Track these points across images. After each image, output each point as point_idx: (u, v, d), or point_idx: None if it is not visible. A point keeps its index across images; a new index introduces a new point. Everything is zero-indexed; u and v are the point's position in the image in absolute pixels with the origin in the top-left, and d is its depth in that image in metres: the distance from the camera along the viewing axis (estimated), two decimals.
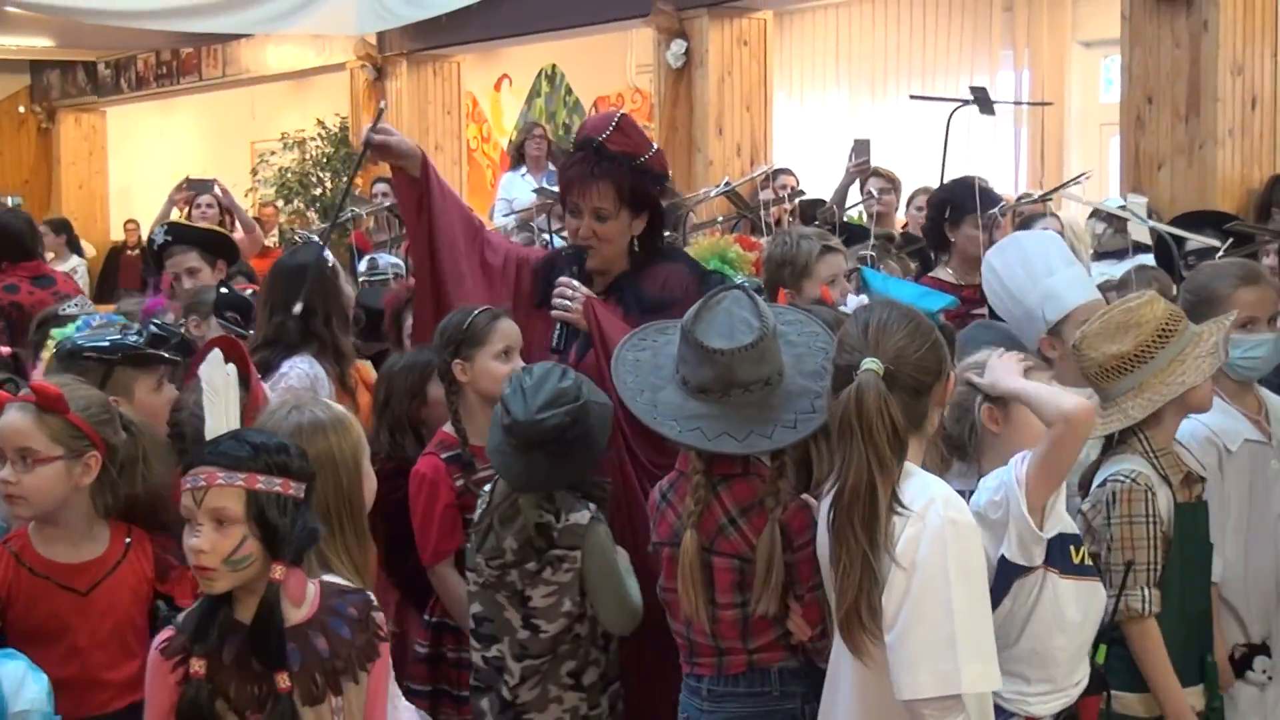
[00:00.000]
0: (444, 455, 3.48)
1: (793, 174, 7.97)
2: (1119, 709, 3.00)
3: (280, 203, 13.10)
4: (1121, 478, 3.03)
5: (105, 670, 2.85)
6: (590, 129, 3.56)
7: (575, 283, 3.51)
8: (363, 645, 2.48)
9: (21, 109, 17.80)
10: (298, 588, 2.41)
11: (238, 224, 7.87)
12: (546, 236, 6.04)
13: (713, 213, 7.59)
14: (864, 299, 3.90)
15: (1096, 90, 10.48)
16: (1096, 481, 3.09)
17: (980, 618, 2.42)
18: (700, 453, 2.83)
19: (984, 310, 4.30)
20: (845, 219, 6.63)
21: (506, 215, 8.24)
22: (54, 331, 3.75)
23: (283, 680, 2.34)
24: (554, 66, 13.37)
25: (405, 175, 3.70)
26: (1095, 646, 2.90)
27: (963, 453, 2.96)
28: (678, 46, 9.58)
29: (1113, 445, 3.14)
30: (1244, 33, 6.90)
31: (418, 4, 11.11)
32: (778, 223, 6.26)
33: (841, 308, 3.56)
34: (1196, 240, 4.88)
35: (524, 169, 9.66)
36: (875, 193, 6.78)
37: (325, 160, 12.98)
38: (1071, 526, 2.83)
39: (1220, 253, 4.57)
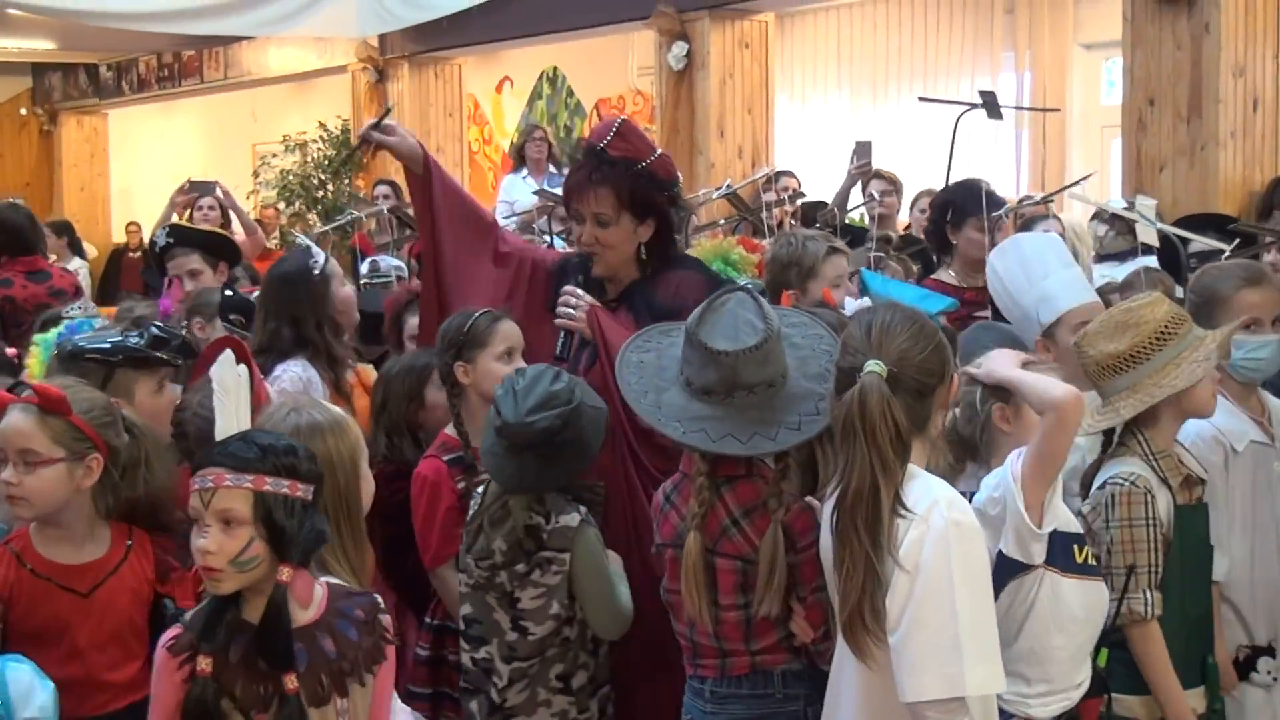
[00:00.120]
0: (446, 458, 3.48)
1: (794, 176, 7.97)
2: (1120, 712, 3.00)
3: (281, 205, 13.11)
4: (1120, 480, 3.03)
5: (105, 671, 2.85)
6: (593, 136, 3.57)
7: (580, 291, 3.51)
8: (369, 648, 2.48)
9: (23, 111, 17.82)
10: (305, 589, 2.41)
11: (237, 225, 7.86)
12: (548, 238, 6.04)
13: (713, 215, 7.59)
14: (863, 302, 3.90)
15: (1098, 92, 10.48)
16: (1096, 484, 3.10)
17: (984, 620, 2.42)
18: (704, 454, 2.83)
19: (986, 313, 4.31)
20: (847, 221, 6.63)
21: (508, 217, 8.23)
22: (36, 337, 3.77)
23: (289, 681, 2.35)
24: (555, 69, 13.37)
25: (414, 175, 3.73)
26: (1097, 649, 2.90)
27: (975, 453, 2.97)
28: (679, 49, 9.58)
29: (1112, 447, 3.14)
30: (1245, 34, 6.90)
31: (419, 6, 11.12)
32: (779, 225, 6.26)
33: (841, 310, 3.57)
34: (1202, 242, 4.87)
35: (525, 171, 9.66)
36: (877, 195, 6.78)
37: (327, 163, 12.99)
38: (1073, 525, 2.83)
39: (1226, 254, 4.56)
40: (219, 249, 5.42)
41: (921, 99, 6.83)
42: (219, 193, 8.06)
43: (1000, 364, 2.88)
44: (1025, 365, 2.87)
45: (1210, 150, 6.85)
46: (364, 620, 2.49)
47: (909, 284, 4.93)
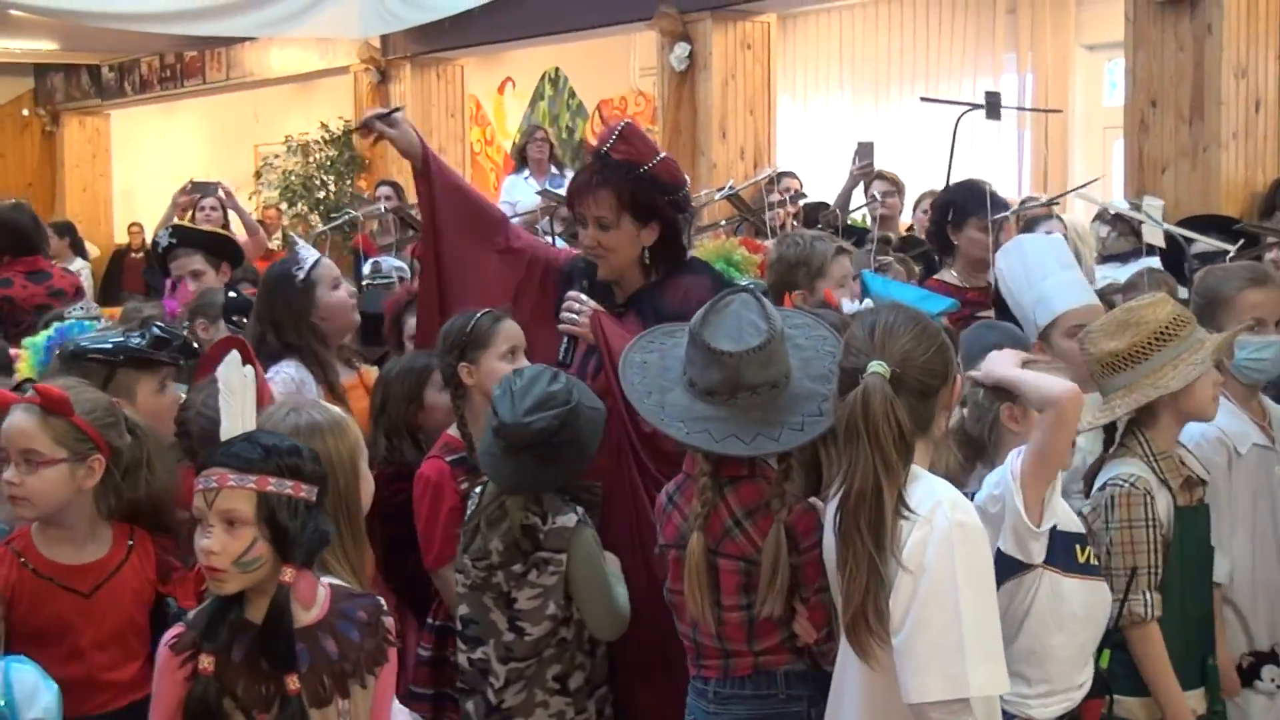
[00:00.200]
0: (449, 458, 3.47)
1: (796, 177, 7.97)
2: (1120, 713, 3.00)
3: (284, 206, 13.12)
4: (1120, 482, 3.03)
5: (107, 671, 2.85)
6: (598, 140, 3.57)
7: (583, 296, 3.50)
8: (371, 649, 2.48)
9: (25, 112, 17.84)
10: (308, 590, 2.41)
11: (237, 225, 7.86)
12: (549, 239, 6.03)
13: (715, 216, 7.59)
14: (864, 304, 3.90)
15: (1100, 93, 10.47)
16: (1096, 485, 3.10)
17: (988, 621, 2.42)
18: (707, 454, 2.83)
19: (988, 313, 4.31)
20: (849, 222, 6.62)
21: (510, 218, 8.22)
22: (25, 340, 3.76)
23: (291, 682, 2.35)
24: (557, 69, 13.37)
25: (418, 171, 3.75)
26: (1099, 651, 2.89)
27: (984, 453, 2.96)
28: (681, 50, 9.58)
29: (1113, 447, 3.14)
30: (1247, 35, 6.90)
31: (421, 7, 11.12)
32: (781, 226, 6.25)
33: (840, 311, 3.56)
34: (1207, 243, 4.87)
35: (526, 172, 9.67)
36: (879, 196, 6.78)
37: (329, 163, 12.99)
38: (1075, 524, 2.83)
39: (1231, 254, 4.56)
40: (221, 250, 5.42)
41: (924, 99, 6.83)
42: (221, 193, 8.07)
43: (999, 363, 2.88)
44: (1026, 364, 2.88)
45: (1212, 151, 6.85)
46: (366, 622, 2.49)
47: (910, 285, 4.93)
